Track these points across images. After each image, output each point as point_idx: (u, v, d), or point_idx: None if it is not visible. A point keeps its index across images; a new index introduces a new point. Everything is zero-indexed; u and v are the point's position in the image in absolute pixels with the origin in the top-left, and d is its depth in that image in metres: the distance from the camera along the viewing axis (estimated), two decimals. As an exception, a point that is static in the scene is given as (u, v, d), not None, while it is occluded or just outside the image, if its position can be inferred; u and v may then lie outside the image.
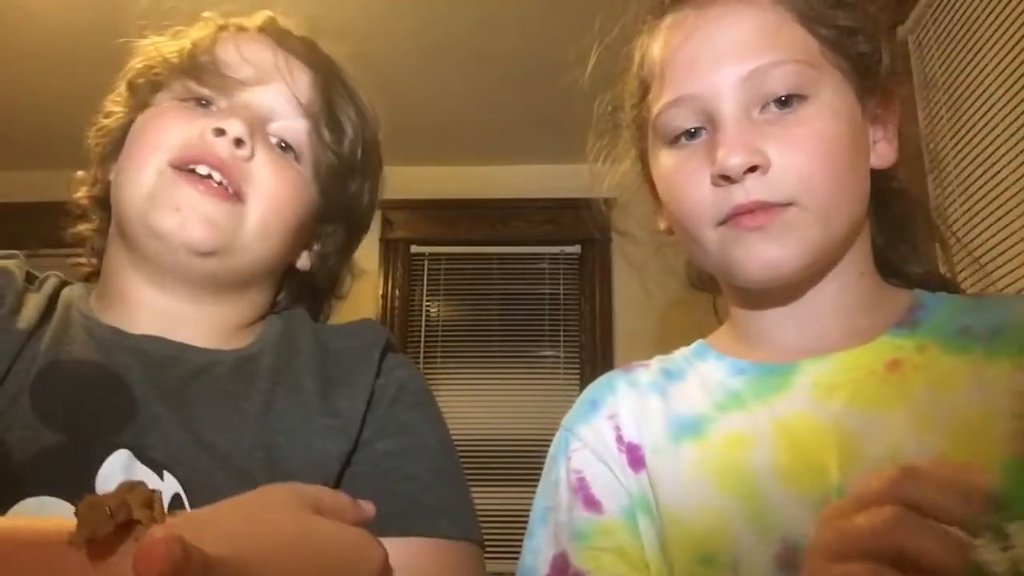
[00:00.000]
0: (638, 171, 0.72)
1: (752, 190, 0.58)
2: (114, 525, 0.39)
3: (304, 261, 0.73)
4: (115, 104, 0.71)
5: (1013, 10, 1.47)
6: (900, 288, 0.67)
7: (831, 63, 0.61)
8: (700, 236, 0.62)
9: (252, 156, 0.64)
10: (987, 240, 1.55)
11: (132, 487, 0.42)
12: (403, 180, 3.00)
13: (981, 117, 1.57)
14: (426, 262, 3.02)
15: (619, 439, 0.66)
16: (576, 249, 2.93)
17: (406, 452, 0.63)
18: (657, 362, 0.72)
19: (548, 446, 0.71)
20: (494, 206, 2.93)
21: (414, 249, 3.01)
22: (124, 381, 0.59)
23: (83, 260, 0.73)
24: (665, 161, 0.64)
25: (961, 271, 1.62)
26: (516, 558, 0.66)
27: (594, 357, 2.73)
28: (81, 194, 0.72)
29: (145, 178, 0.62)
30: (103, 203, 0.70)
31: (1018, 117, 1.46)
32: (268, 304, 0.72)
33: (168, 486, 0.55)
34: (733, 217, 0.59)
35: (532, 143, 2.76)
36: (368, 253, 2.99)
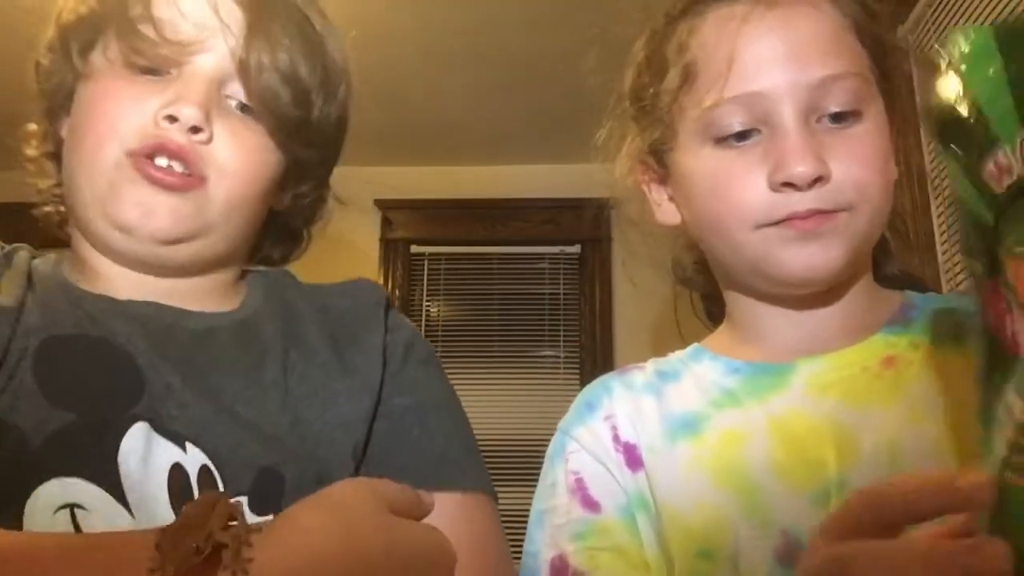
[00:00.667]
0: (641, 161, 0.70)
1: (812, 199, 0.58)
2: (202, 559, 0.38)
3: (280, 204, 0.70)
4: (51, 56, 0.66)
5: (1013, 11, 1.47)
6: (890, 291, 0.68)
7: (876, 79, 0.62)
8: (738, 236, 0.62)
9: (211, 138, 0.61)
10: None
11: (213, 504, 0.40)
12: (403, 180, 3.02)
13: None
14: (426, 262, 3.02)
15: (616, 439, 0.66)
16: (576, 249, 2.93)
17: (424, 407, 0.63)
18: (652, 364, 0.72)
19: (548, 446, 0.71)
20: (494, 206, 2.93)
21: (414, 249, 3.01)
22: (126, 350, 0.57)
23: (51, 210, 0.69)
24: (707, 159, 0.63)
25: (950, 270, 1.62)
26: (518, 558, 0.66)
27: (594, 357, 2.73)
28: (33, 150, 0.69)
29: (102, 168, 0.59)
30: (58, 158, 0.67)
31: (1018, 117, 1.46)
32: (250, 254, 0.70)
33: (192, 458, 0.53)
34: (785, 221, 0.59)
35: (532, 143, 2.76)
36: (368, 253, 2.99)
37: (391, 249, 2.97)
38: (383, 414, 0.61)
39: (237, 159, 0.62)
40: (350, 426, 0.59)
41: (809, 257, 0.59)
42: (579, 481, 0.65)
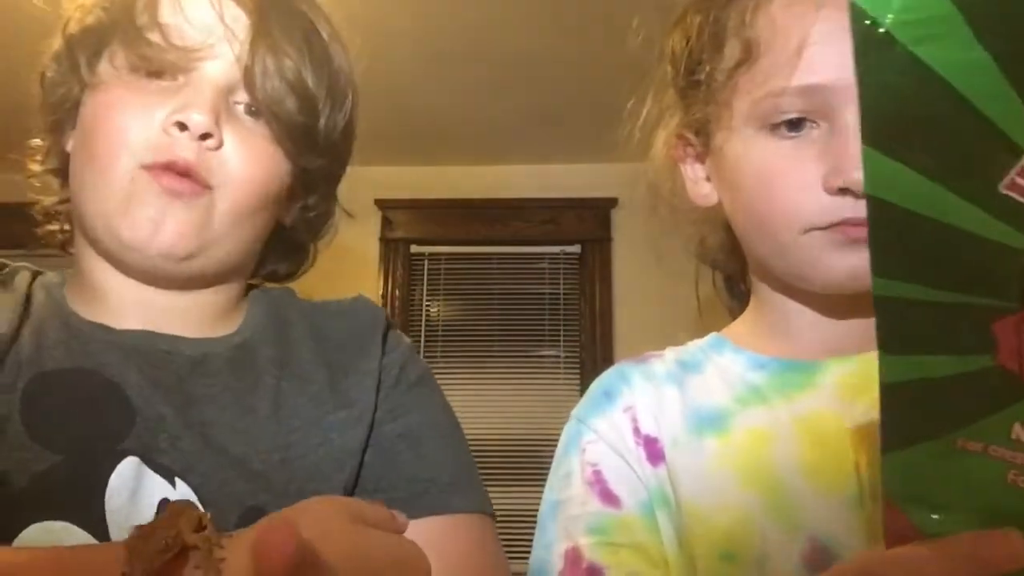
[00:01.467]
0: (679, 134, 0.67)
1: (865, 207, 0.56)
2: (170, 556, 0.38)
3: (287, 217, 0.70)
4: (56, 67, 0.65)
5: (1013, 9, 1.47)
6: None
7: None
8: (783, 236, 0.59)
9: (220, 144, 0.60)
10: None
11: (181, 511, 0.41)
12: (403, 180, 3.02)
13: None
14: (426, 262, 3.02)
15: (636, 432, 0.64)
16: (576, 249, 2.93)
17: (415, 432, 0.62)
18: (672, 353, 0.70)
19: (549, 445, 0.70)
20: (494, 206, 2.93)
21: (414, 249, 3.01)
22: (117, 384, 0.56)
23: (55, 228, 0.69)
24: (758, 146, 0.59)
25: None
26: (517, 558, 0.66)
27: (594, 357, 2.74)
28: (37, 166, 0.68)
29: (114, 185, 0.58)
30: (63, 174, 0.66)
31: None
32: (252, 271, 0.70)
33: (180, 494, 0.53)
34: (838, 226, 0.56)
35: (532, 143, 2.76)
36: (368, 253, 2.99)
37: (391, 249, 2.97)
38: (374, 443, 0.61)
39: (246, 166, 0.61)
40: (341, 460, 0.59)
41: (855, 266, 0.56)
42: (597, 473, 0.64)
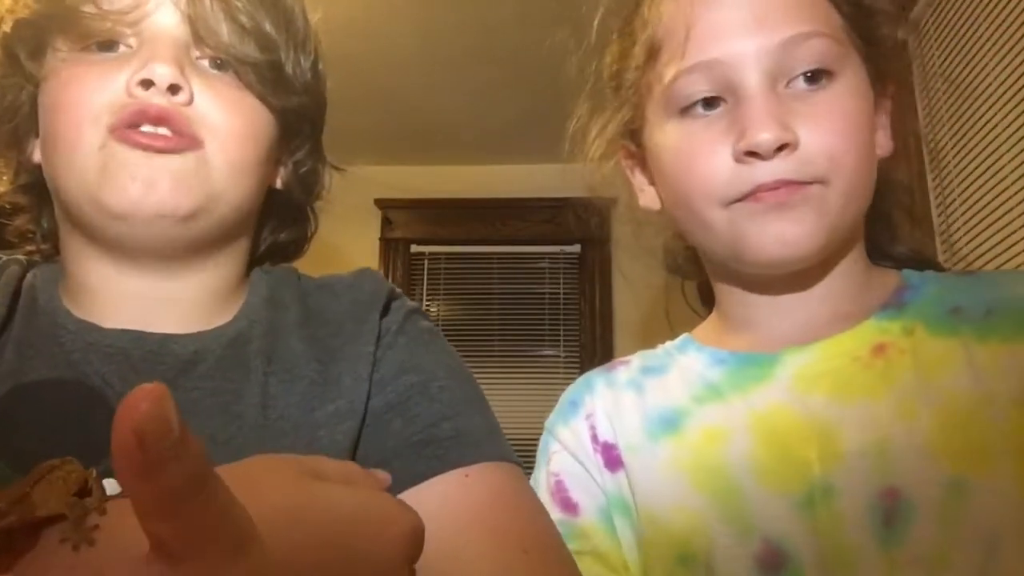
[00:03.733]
0: (622, 145, 0.68)
1: (778, 169, 0.55)
2: (6, 525, 0.30)
3: (280, 180, 0.66)
4: (2, 77, 0.60)
5: (1013, 9, 1.47)
6: (888, 269, 0.65)
7: (852, 42, 0.59)
8: (707, 214, 0.59)
9: (192, 98, 0.55)
10: (989, 238, 1.55)
11: (52, 468, 0.33)
12: (403, 180, 3.01)
13: (981, 116, 1.57)
14: (426, 262, 3.02)
15: (594, 439, 0.65)
16: (576, 248, 2.93)
17: (404, 396, 0.57)
18: (638, 358, 0.70)
19: (542, 445, 0.71)
20: (494, 206, 2.93)
21: (414, 249, 3.01)
22: (102, 395, 0.52)
23: (33, 248, 0.64)
24: (673, 132, 0.60)
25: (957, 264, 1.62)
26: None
27: (594, 356, 2.73)
28: (4, 186, 0.62)
29: (85, 155, 0.53)
30: (36, 188, 0.61)
31: (1019, 116, 1.46)
32: (253, 247, 0.66)
33: None
34: (753, 194, 0.56)
35: (532, 143, 2.76)
36: (368, 253, 2.99)
37: (391, 249, 2.97)
38: (367, 422, 0.56)
39: (227, 118, 0.57)
40: (331, 457, 0.54)
41: (781, 232, 0.55)
42: (559, 483, 0.64)
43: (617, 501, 0.62)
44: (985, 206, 1.56)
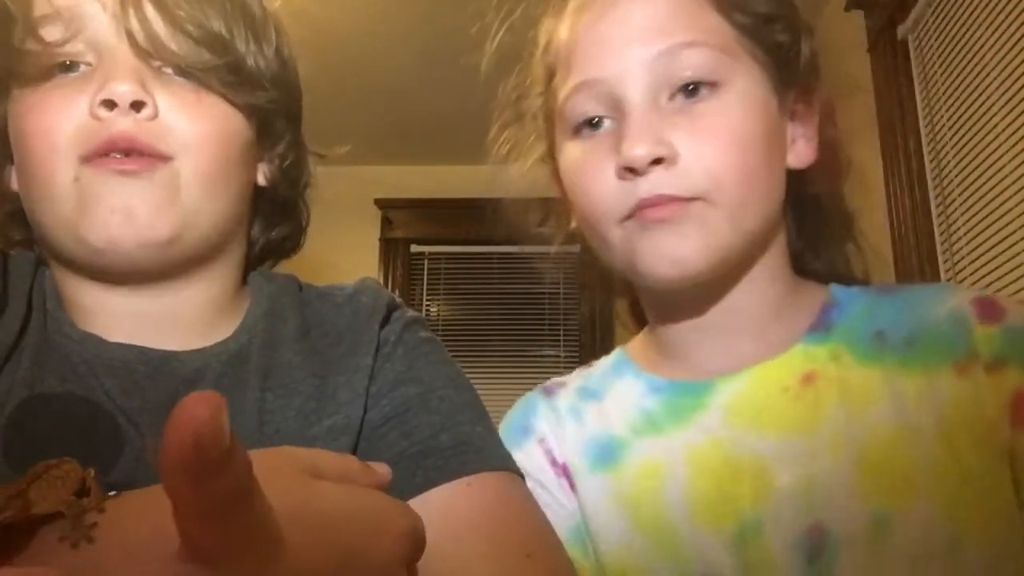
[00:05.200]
0: (549, 167, 0.67)
1: (657, 183, 0.54)
2: (5, 522, 0.29)
3: (263, 177, 0.64)
4: None
5: (1013, 10, 1.47)
6: (815, 284, 0.63)
7: (747, 52, 0.57)
8: (605, 233, 0.58)
9: (157, 111, 0.54)
10: (988, 238, 1.55)
11: (50, 467, 0.33)
12: (403, 180, 3.01)
13: (981, 116, 1.58)
14: (426, 262, 3.02)
15: (553, 462, 0.63)
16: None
17: (403, 408, 0.56)
18: (576, 379, 0.69)
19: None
20: (494, 206, 2.93)
21: (414, 249, 3.01)
22: (107, 411, 0.51)
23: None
24: (570, 152, 0.60)
25: (960, 272, 1.61)
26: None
27: (594, 357, 2.73)
28: None
29: (61, 190, 0.53)
30: (21, 215, 0.59)
31: (1018, 116, 1.46)
32: (247, 249, 0.64)
33: None
34: (638, 211, 0.55)
35: (532, 143, 2.76)
36: (368, 253, 2.99)
37: (391, 249, 2.97)
38: (364, 435, 0.56)
39: (196, 126, 0.55)
40: None
41: (668, 249, 0.55)
42: None
43: (581, 522, 0.61)
44: (985, 206, 1.56)
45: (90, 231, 0.52)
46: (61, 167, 0.52)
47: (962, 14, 1.64)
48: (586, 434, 0.63)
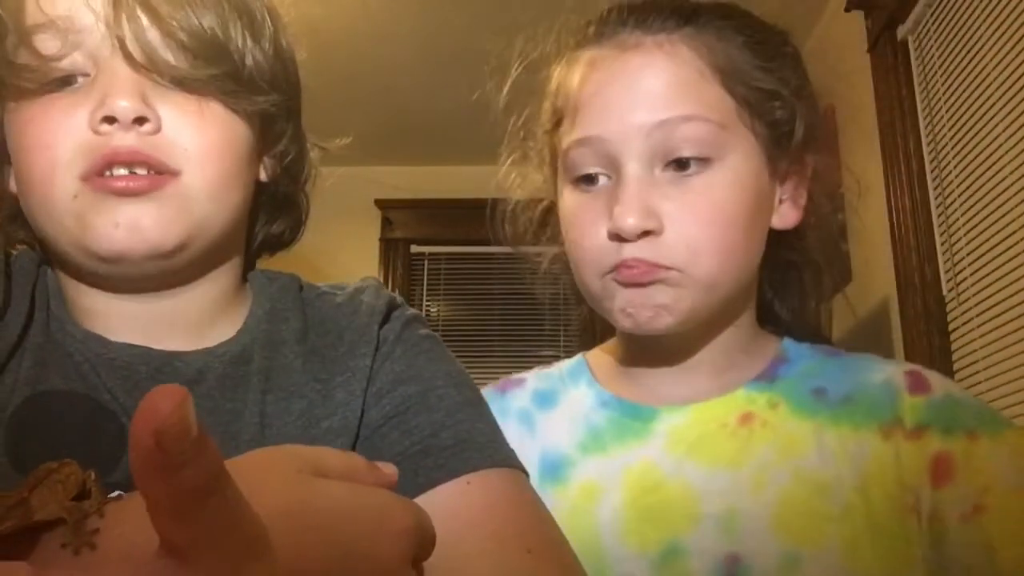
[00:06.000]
0: (550, 193, 0.70)
1: (641, 252, 0.58)
2: (7, 531, 0.29)
3: (264, 173, 0.63)
4: None
5: (1013, 10, 1.47)
6: (771, 336, 0.68)
7: (745, 125, 0.60)
8: (588, 282, 0.62)
9: (160, 125, 0.53)
10: (989, 239, 1.55)
11: (50, 472, 0.33)
12: (403, 180, 3.01)
13: (981, 117, 1.57)
14: (426, 262, 3.02)
15: None
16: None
17: (403, 407, 0.55)
18: (533, 380, 0.71)
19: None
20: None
21: (414, 249, 3.01)
22: (111, 411, 0.51)
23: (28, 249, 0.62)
24: (568, 200, 0.64)
25: (963, 287, 1.61)
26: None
27: (594, 357, 2.74)
28: None
29: (61, 205, 0.52)
30: (17, 217, 0.59)
31: (1018, 117, 1.46)
32: (246, 249, 0.64)
33: None
34: (618, 269, 0.59)
35: (532, 143, 2.77)
36: (368, 253, 2.99)
37: (391, 249, 2.97)
38: (365, 435, 0.56)
39: (199, 137, 0.54)
40: None
41: (639, 307, 0.59)
42: None
43: None
44: (985, 206, 1.56)
45: (95, 243, 0.51)
46: (60, 182, 0.52)
47: (962, 15, 1.64)
48: (537, 446, 0.66)
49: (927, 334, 1.70)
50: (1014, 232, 1.47)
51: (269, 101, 0.60)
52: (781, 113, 0.61)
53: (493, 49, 0.71)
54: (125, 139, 0.51)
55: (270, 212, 0.66)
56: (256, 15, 0.60)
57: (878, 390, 0.60)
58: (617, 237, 0.58)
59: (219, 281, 0.59)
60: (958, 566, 0.53)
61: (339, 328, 0.60)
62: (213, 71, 0.55)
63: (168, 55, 0.54)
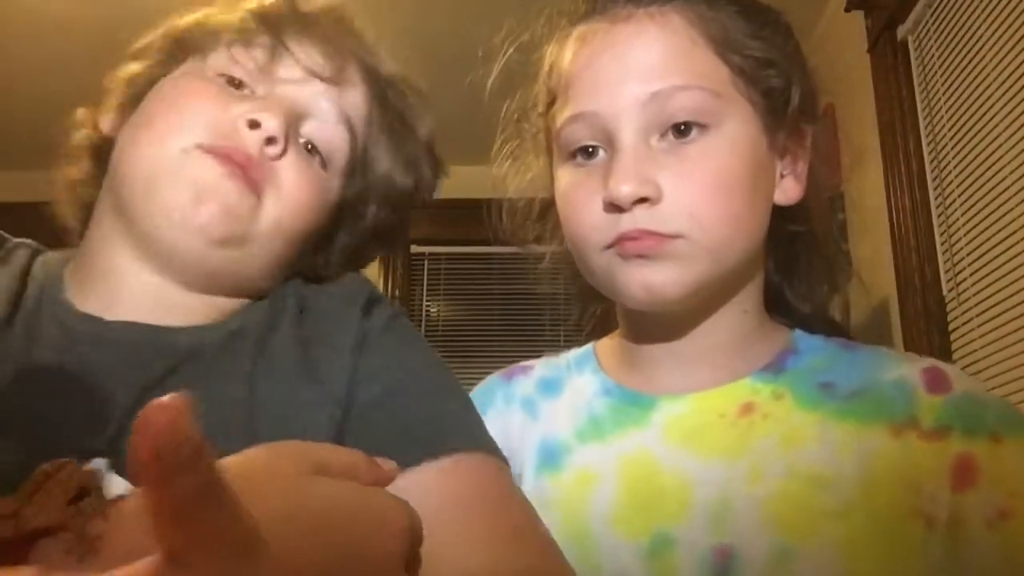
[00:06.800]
0: (548, 179, 0.69)
1: (640, 220, 0.56)
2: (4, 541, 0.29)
3: (311, 259, 0.68)
4: (147, 51, 0.64)
5: (1013, 10, 1.47)
6: (781, 327, 0.66)
7: (741, 93, 0.59)
8: (588, 259, 0.61)
9: (282, 155, 0.59)
10: (989, 239, 1.55)
11: (48, 476, 0.32)
12: (403, 180, 2.99)
13: (981, 117, 1.57)
14: (426, 262, 3.02)
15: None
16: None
17: (388, 391, 0.57)
18: (540, 367, 0.72)
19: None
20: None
21: (414, 249, 3.01)
22: (99, 381, 0.52)
23: (63, 206, 0.66)
24: (563, 178, 0.63)
25: (962, 283, 1.61)
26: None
27: (594, 357, 2.74)
28: (81, 137, 0.65)
29: (165, 153, 0.56)
30: (98, 154, 0.63)
31: (1018, 117, 1.46)
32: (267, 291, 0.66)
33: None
34: (618, 242, 0.58)
35: (532, 143, 2.76)
36: (368, 253, 2.99)
37: (391, 249, 2.97)
38: (352, 416, 0.56)
39: (297, 186, 0.60)
40: (310, 439, 0.53)
41: (645, 278, 0.57)
42: None
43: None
44: (985, 206, 1.56)
45: (166, 192, 0.56)
46: (182, 136, 0.56)
47: (962, 14, 1.64)
48: (538, 433, 0.65)
49: (927, 334, 1.70)
50: (1014, 232, 1.47)
51: (374, 214, 0.70)
52: (776, 81, 0.60)
53: (483, 34, 0.70)
54: (253, 147, 0.57)
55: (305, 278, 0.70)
56: (418, 154, 0.74)
57: (891, 387, 0.58)
58: (613, 207, 0.57)
59: (231, 299, 0.62)
60: (980, 573, 0.51)
61: (324, 309, 0.63)
62: (383, 212, 0.70)
63: (380, 171, 0.67)
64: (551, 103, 0.64)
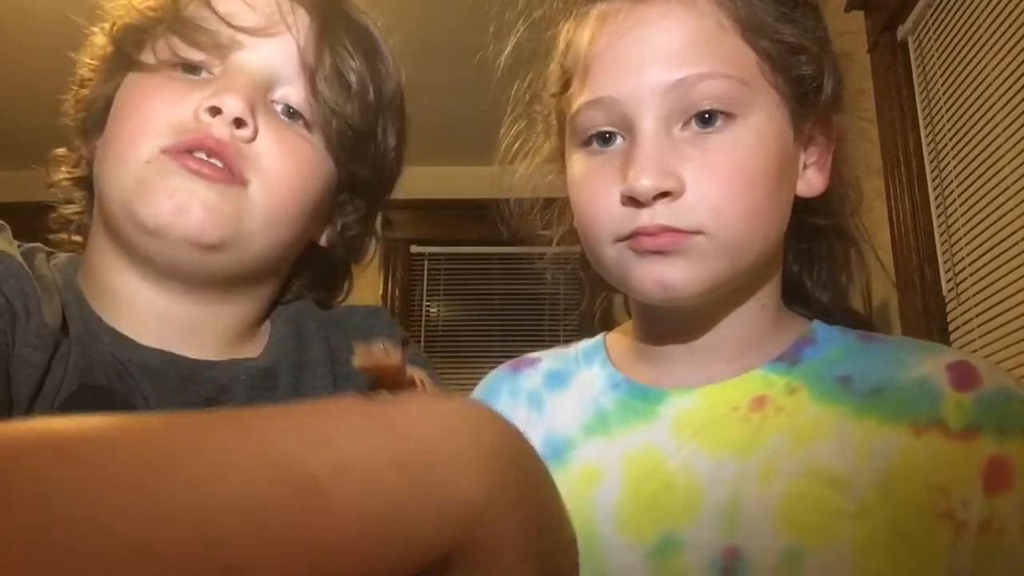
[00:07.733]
0: (557, 165, 0.66)
1: (659, 215, 0.54)
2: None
3: (323, 238, 0.66)
4: (91, 69, 0.62)
5: (1013, 10, 1.47)
6: (799, 317, 0.63)
7: (768, 81, 0.56)
8: (600, 251, 0.58)
9: (255, 135, 0.56)
10: (989, 239, 1.55)
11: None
12: (403, 180, 2.99)
13: (981, 117, 1.57)
14: (426, 262, 3.02)
15: None
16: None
17: None
18: (547, 360, 0.69)
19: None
20: (494, 206, 2.93)
21: (414, 249, 3.01)
22: (143, 411, 0.52)
23: (64, 237, 0.65)
24: (577, 164, 0.59)
25: (961, 279, 1.61)
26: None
27: (594, 357, 2.73)
28: (62, 175, 0.63)
29: (131, 167, 0.54)
30: (87, 183, 0.62)
31: (1018, 117, 1.46)
32: (280, 292, 0.65)
33: None
34: (634, 236, 0.55)
35: (532, 143, 2.76)
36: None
37: (391, 249, 2.97)
38: None
39: (283, 163, 0.57)
40: None
41: (660, 274, 0.54)
42: None
43: None
44: (985, 206, 1.56)
45: (144, 209, 0.53)
46: (143, 145, 0.55)
47: (962, 15, 1.64)
48: (543, 428, 0.63)
49: (927, 334, 1.70)
50: (1014, 232, 1.47)
51: (368, 175, 0.64)
52: (807, 68, 0.57)
53: (493, 10, 0.66)
54: (221, 132, 0.54)
55: (314, 277, 0.68)
56: (400, 104, 0.68)
57: (914, 386, 0.54)
58: (632, 201, 0.54)
59: (242, 307, 0.61)
60: None
61: (350, 357, 0.63)
62: (355, 123, 0.60)
63: (332, 87, 0.59)
64: (566, 85, 0.61)
